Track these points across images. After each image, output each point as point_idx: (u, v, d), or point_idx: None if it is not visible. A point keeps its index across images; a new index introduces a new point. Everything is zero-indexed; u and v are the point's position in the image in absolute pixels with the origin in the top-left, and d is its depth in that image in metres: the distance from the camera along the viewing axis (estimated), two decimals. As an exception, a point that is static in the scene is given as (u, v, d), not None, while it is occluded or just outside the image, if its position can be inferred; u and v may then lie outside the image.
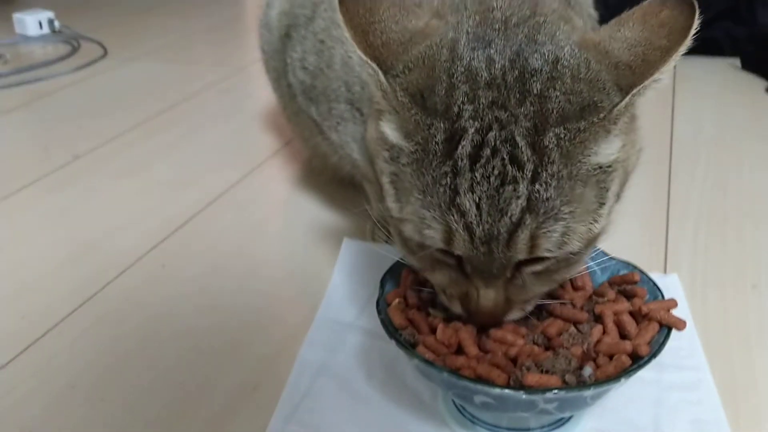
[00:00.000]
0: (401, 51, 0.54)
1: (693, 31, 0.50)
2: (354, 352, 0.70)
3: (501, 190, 0.50)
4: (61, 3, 1.99)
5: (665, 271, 0.84)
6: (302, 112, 0.89)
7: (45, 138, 1.28)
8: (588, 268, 0.66)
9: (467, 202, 0.50)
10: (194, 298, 0.81)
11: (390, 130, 0.54)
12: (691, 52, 1.54)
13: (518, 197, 0.50)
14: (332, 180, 1.02)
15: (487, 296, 0.54)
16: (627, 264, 0.66)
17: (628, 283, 0.63)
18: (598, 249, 0.67)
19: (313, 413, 0.63)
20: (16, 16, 1.85)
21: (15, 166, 1.16)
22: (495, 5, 0.56)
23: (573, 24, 0.58)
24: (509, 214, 0.50)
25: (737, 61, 1.56)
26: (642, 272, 0.64)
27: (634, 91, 0.50)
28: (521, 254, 0.52)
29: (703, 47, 1.61)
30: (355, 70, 0.72)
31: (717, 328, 0.74)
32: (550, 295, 0.62)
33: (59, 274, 0.85)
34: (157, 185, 1.07)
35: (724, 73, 1.54)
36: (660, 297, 0.61)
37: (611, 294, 0.63)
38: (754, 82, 1.47)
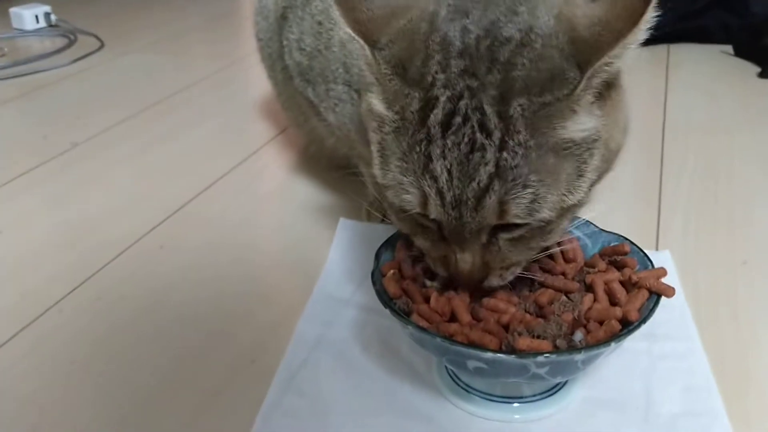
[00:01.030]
0: (385, 25, 0.56)
1: (647, 19, 0.50)
2: (350, 326, 0.71)
3: (470, 157, 0.52)
4: (57, -3, 2.00)
5: (657, 249, 0.85)
6: (298, 95, 0.90)
7: (43, 127, 1.28)
8: (579, 240, 0.67)
9: (439, 167, 0.52)
10: (192, 276, 0.82)
11: (376, 101, 0.56)
12: (684, 39, 1.56)
13: (486, 163, 0.51)
14: (329, 166, 1.03)
15: (464, 259, 0.56)
16: (618, 236, 0.67)
17: (619, 254, 0.65)
18: (590, 224, 0.68)
19: (310, 384, 0.64)
20: (13, 10, 1.86)
21: (14, 153, 1.17)
22: None
23: None
24: (477, 180, 0.52)
25: (730, 49, 1.57)
26: (632, 243, 0.65)
27: (588, 72, 0.50)
28: (490, 219, 0.53)
29: (696, 35, 1.62)
30: (354, 53, 0.73)
31: (707, 302, 0.75)
32: (542, 268, 0.63)
33: (59, 255, 0.86)
34: (154, 171, 1.08)
35: (716, 59, 1.55)
36: (650, 267, 0.63)
37: (602, 265, 0.64)
38: (746, 67, 1.48)
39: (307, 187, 1.02)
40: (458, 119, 0.52)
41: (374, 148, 0.57)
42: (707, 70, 1.51)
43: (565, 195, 0.53)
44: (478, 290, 0.60)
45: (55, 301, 0.77)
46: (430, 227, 0.57)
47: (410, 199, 0.55)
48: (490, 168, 0.51)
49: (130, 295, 0.79)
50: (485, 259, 0.57)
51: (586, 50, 0.51)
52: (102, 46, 1.72)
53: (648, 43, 1.56)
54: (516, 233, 0.55)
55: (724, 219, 0.92)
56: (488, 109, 0.51)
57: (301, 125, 1.00)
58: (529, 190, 0.52)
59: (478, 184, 0.52)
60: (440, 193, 0.53)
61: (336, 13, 0.55)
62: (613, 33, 0.50)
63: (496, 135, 0.51)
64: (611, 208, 0.89)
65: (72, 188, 1.04)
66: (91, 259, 0.84)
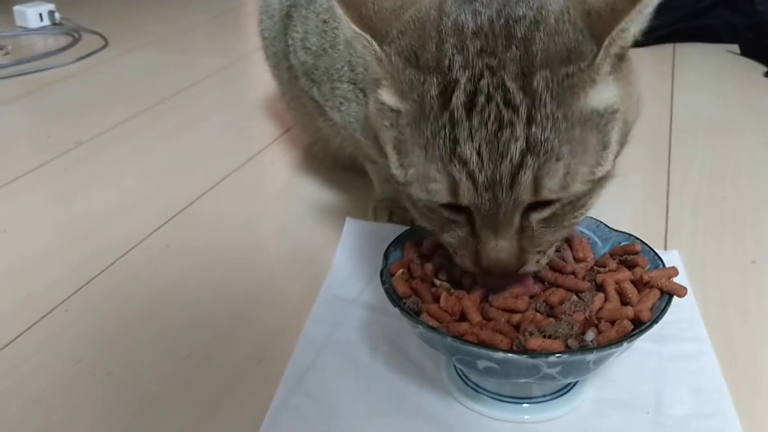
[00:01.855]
0: (393, 18, 0.55)
1: None
2: (358, 327, 0.71)
3: (499, 135, 0.51)
4: (61, -5, 2.00)
5: (665, 248, 0.84)
6: (303, 95, 0.89)
7: (47, 126, 1.28)
8: (589, 239, 0.66)
9: (467, 150, 0.51)
10: (198, 276, 0.81)
11: (388, 96, 0.55)
12: (690, 38, 1.55)
13: (516, 139, 0.50)
14: (333, 166, 1.02)
15: (500, 247, 0.54)
16: (628, 235, 0.66)
17: (630, 254, 0.64)
18: (600, 223, 0.68)
19: (318, 385, 0.64)
20: (17, 8, 1.86)
21: (19, 152, 1.17)
22: None
23: None
24: (509, 157, 0.50)
25: (736, 48, 1.57)
26: (643, 243, 0.65)
27: (605, 41, 0.50)
28: (526, 196, 0.52)
29: (702, 34, 1.62)
30: (359, 51, 0.73)
31: (717, 302, 0.75)
32: (552, 267, 0.63)
33: (64, 254, 0.86)
34: (159, 170, 1.08)
35: (722, 58, 1.54)
36: (661, 266, 0.62)
37: (613, 264, 0.64)
38: (752, 67, 1.48)
39: (313, 186, 1.01)
40: (482, 98, 0.51)
41: (389, 146, 0.56)
42: (713, 69, 1.50)
43: (594, 166, 0.53)
44: (507, 278, 0.58)
45: (60, 300, 0.77)
46: (459, 220, 0.56)
47: (438, 188, 0.53)
48: (521, 144, 0.50)
49: (136, 296, 0.78)
50: (521, 245, 0.55)
51: (600, 20, 0.51)
52: (106, 44, 1.72)
53: (654, 42, 1.57)
54: (548, 211, 0.54)
55: (732, 218, 0.92)
56: (511, 85, 0.51)
57: (306, 125, 1.00)
58: (562, 162, 0.51)
59: (511, 161, 0.50)
60: (471, 176, 0.51)
61: (339, 11, 0.55)
62: (629, 0, 0.50)
63: (523, 109, 0.50)
64: (619, 207, 0.89)
65: (76, 187, 1.03)
66: (96, 258, 0.84)
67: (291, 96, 0.96)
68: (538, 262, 0.57)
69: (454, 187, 0.52)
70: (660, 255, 0.64)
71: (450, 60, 0.52)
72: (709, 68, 1.51)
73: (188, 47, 1.75)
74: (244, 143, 1.16)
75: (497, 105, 0.51)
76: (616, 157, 0.55)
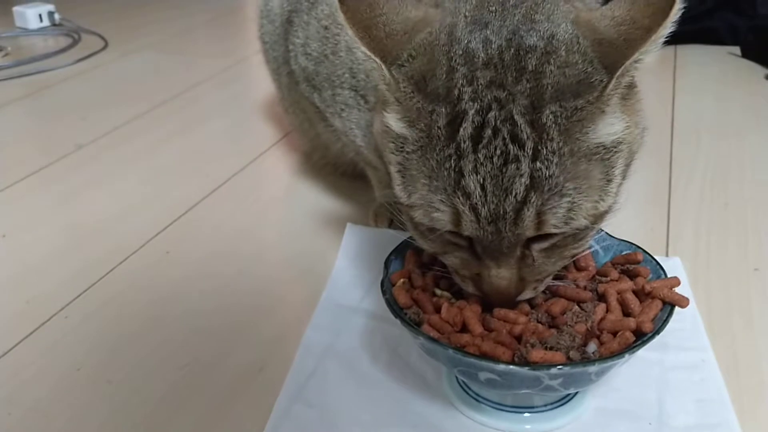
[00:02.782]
0: (405, 40, 0.55)
1: (675, 12, 0.49)
2: (358, 334, 0.71)
3: (504, 170, 0.50)
4: (60, -5, 1.99)
5: (667, 255, 0.84)
6: (304, 101, 0.89)
7: (47, 128, 1.28)
8: (591, 248, 0.66)
9: (472, 183, 0.51)
10: (199, 283, 0.81)
11: (394, 121, 0.55)
12: (692, 41, 1.55)
13: (521, 175, 0.50)
14: (334, 173, 1.02)
15: (500, 275, 0.55)
16: (630, 244, 0.66)
17: (631, 263, 0.64)
18: (602, 231, 0.68)
19: (319, 393, 0.64)
20: (17, 9, 1.85)
21: (19, 155, 1.16)
22: None
23: (573, 4, 0.58)
24: (514, 193, 0.50)
25: (737, 50, 1.56)
26: (645, 252, 0.65)
27: (618, 72, 0.50)
28: (529, 231, 0.52)
29: (704, 36, 1.61)
30: (368, 71, 0.72)
31: (719, 310, 0.75)
32: (555, 276, 0.63)
33: (64, 260, 0.86)
34: (159, 174, 1.08)
35: (724, 61, 1.54)
36: (663, 276, 0.62)
37: (614, 274, 0.63)
38: (754, 69, 1.47)
39: (313, 191, 1.01)
40: (488, 132, 0.51)
41: (393, 168, 0.56)
42: (715, 71, 1.50)
43: (597, 201, 0.53)
44: (509, 305, 0.58)
45: (60, 307, 0.76)
46: (461, 245, 0.56)
47: (441, 218, 0.53)
48: (526, 180, 0.50)
49: (136, 302, 0.78)
50: (521, 274, 0.56)
51: (613, 50, 0.51)
52: (106, 45, 1.71)
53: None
54: (549, 242, 0.54)
55: (734, 224, 0.92)
56: (519, 119, 0.50)
57: (306, 130, 1.00)
58: (566, 199, 0.51)
59: (515, 197, 0.50)
60: (474, 209, 0.51)
61: (350, 32, 0.54)
62: (642, 30, 0.50)
63: (529, 145, 0.50)
64: (621, 213, 0.89)
65: (76, 192, 1.03)
66: (96, 264, 0.84)
67: (290, 101, 0.96)
68: (535, 289, 0.57)
69: (457, 218, 0.53)
70: (662, 263, 0.63)
71: (459, 90, 0.52)
72: (710, 71, 1.51)
73: (188, 48, 1.74)
74: (244, 147, 1.15)
75: (504, 139, 0.50)
76: (618, 191, 0.55)
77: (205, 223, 0.94)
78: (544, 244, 0.54)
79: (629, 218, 0.90)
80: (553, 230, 0.52)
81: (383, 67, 0.53)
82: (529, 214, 0.51)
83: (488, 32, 0.53)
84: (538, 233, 0.52)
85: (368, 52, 0.54)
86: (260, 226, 0.93)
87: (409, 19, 0.56)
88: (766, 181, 1.03)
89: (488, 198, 0.51)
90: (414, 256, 0.64)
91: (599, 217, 0.54)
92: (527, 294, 0.57)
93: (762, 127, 1.22)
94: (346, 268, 0.81)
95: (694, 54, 1.57)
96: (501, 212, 0.51)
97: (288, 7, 0.85)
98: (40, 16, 1.84)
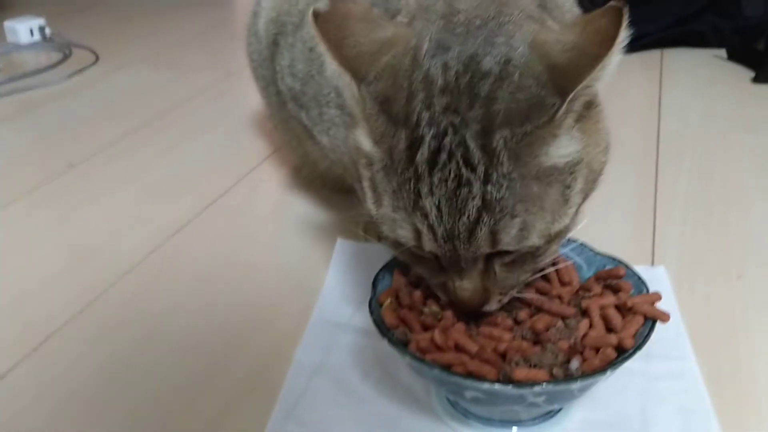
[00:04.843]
0: (372, 61, 0.56)
1: (620, 41, 0.51)
2: (349, 352, 0.72)
3: (458, 192, 0.53)
4: (51, 10, 1.99)
5: (653, 263, 0.85)
6: (292, 119, 0.90)
7: (39, 147, 1.29)
8: (574, 263, 0.67)
9: (428, 204, 0.54)
10: (191, 301, 0.82)
11: (363, 138, 0.57)
12: (678, 44, 1.56)
13: (473, 198, 0.53)
14: (323, 188, 1.03)
15: (463, 287, 0.57)
16: (613, 259, 0.67)
17: (614, 278, 0.65)
18: (586, 246, 0.69)
19: (311, 412, 0.65)
20: (7, 24, 1.86)
21: (10, 175, 1.17)
22: (461, 8, 0.58)
23: (544, 24, 0.60)
24: (467, 214, 0.53)
25: (723, 53, 1.58)
26: (627, 266, 0.66)
27: (569, 97, 0.51)
28: (483, 249, 0.54)
29: (689, 39, 1.63)
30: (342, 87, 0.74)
31: (703, 318, 0.76)
32: (538, 291, 0.64)
33: (57, 282, 0.87)
34: (151, 192, 1.09)
35: (709, 64, 1.56)
36: (645, 291, 0.63)
37: (597, 289, 0.64)
38: (740, 72, 1.49)
39: (303, 206, 1.02)
40: (444, 156, 0.53)
41: (365, 183, 0.58)
42: (701, 74, 1.51)
43: (551, 223, 0.55)
44: (476, 315, 0.61)
45: (54, 329, 0.77)
46: (427, 257, 0.58)
47: (404, 234, 0.56)
48: (477, 202, 0.52)
49: (129, 322, 0.79)
50: (484, 285, 0.58)
51: (563, 76, 0.52)
52: (97, 59, 1.72)
53: (641, 48, 1.58)
54: (508, 258, 0.57)
55: (718, 230, 0.93)
56: (471, 144, 0.52)
57: (295, 147, 1.01)
58: (518, 219, 0.53)
59: (468, 218, 0.53)
60: (431, 228, 0.54)
61: (323, 46, 0.56)
62: (589, 57, 0.51)
63: (480, 169, 0.52)
64: (606, 219, 0.90)
65: (68, 213, 1.04)
66: (90, 285, 0.85)
67: (279, 119, 0.97)
68: (500, 301, 0.60)
69: (417, 236, 0.55)
70: (647, 272, 0.65)
71: (418, 116, 0.54)
72: (697, 73, 1.52)
73: (179, 62, 1.75)
74: (235, 162, 1.16)
75: (457, 163, 0.53)
76: (578, 208, 0.57)
77: (197, 241, 0.95)
78: (505, 259, 0.57)
79: (616, 225, 0.92)
80: (508, 248, 0.54)
81: (353, 83, 0.55)
82: (482, 233, 0.53)
83: (448, 57, 0.55)
84: (493, 250, 0.55)
85: (339, 67, 0.56)
86: (251, 244, 0.95)
87: (375, 41, 0.57)
88: (750, 186, 1.04)
89: (444, 218, 0.54)
90: (401, 275, 0.66)
91: (555, 236, 0.56)
92: (492, 305, 0.59)
93: (747, 131, 1.23)
94: (336, 285, 0.82)
95: (681, 57, 1.59)
96: (456, 232, 0.54)
97: (273, 30, 0.86)
98: (30, 30, 1.83)
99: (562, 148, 0.54)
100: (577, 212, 0.57)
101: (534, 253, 0.57)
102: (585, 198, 0.58)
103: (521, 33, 0.56)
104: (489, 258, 0.57)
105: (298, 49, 0.80)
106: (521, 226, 0.53)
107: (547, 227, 0.54)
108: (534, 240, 0.54)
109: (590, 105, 0.56)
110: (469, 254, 0.55)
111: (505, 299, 0.60)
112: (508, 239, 0.54)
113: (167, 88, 1.55)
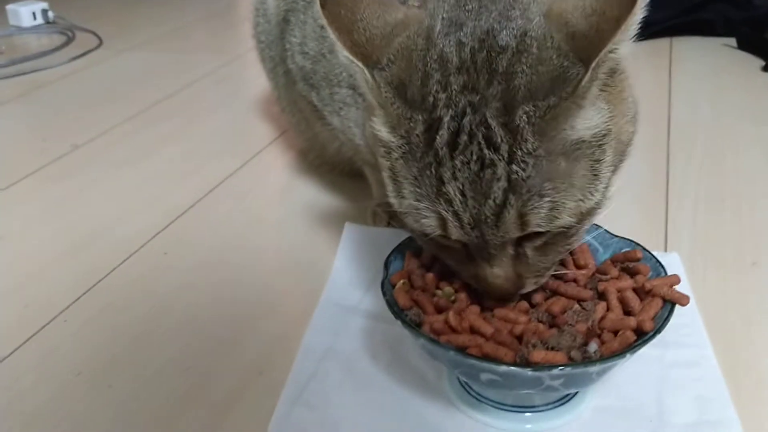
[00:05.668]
0: (384, 44, 0.54)
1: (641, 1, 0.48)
2: (358, 335, 0.71)
3: (481, 174, 0.51)
4: (54, -6, 1.98)
5: (666, 250, 0.84)
6: (301, 100, 0.89)
7: (42, 129, 1.27)
8: (590, 246, 0.66)
9: (451, 190, 0.51)
10: (197, 285, 0.81)
11: (380, 125, 0.55)
12: (687, 33, 1.54)
13: (498, 179, 0.50)
14: (330, 172, 1.02)
15: (496, 274, 0.55)
16: (629, 242, 0.66)
17: (631, 261, 0.64)
18: (601, 229, 0.68)
19: (320, 395, 0.64)
20: (10, 7, 1.85)
21: (14, 157, 1.16)
22: None
23: None
24: (493, 197, 0.51)
25: (733, 41, 1.56)
26: (644, 249, 0.64)
27: (593, 64, 0.49)
28: (512, 233, 0.52)
29: (699, 28, 1.61)
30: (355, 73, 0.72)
31: (718, 306, 0.74)
32: (554, 275, 0.63)
33: (62, 264, 0.85)
34: (156, 174, 1.07)
35: (719, 53, 1.54)
36: (663, 273, 0.62)
37: (614, 272, 0.63)
38: (749, 61, 1.47)
39: (310, 191, 1.01)
40: (464, 137, 0.51)
41: (385, 174, 0.56)
42: (711, 63, 1.50)
43: (581, 200, 0.52)
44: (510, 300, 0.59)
45: (59, 310, 0.76)
46: (455, 247, 0.56)
47: (429, 224, 0.54)
48: (503, 183, 0.50)
49: (134, 305, 0.78)
50: (517, 271, 0.56)
51: (585, 43, 0.50)
52: (100, 43, 1.71)
53: (651, 36, 1.56)
54: (540, 241, 0.55)
55: (731, 218, 0.92)
56: (492, 123, 0.50)
57: (303, 130, 1.00)
58: (546, 199, 0.51)
59: (494, 201, 0.51)
60: (456, 215, 0.52)
61: (332, 35, 0.54)
62: (611, 21, 0.49)
63: (504, 148, 0.50)
64: (619, 207, 0.89)
65: (72, 194, 1.03)
66: (95, 266, 0.83)
67: (287, 100, 0.96)
68: (536, 282, 0.58)
69: (443, 224, 0.53)
70: (661, 259, 0.63)
71: (434, 97, 0.52)
72: (706, 62, 1.50)
73: (183, 46, 1.74)
74: (241, 145, 1.15)
75: (479, 144, 0.50)
76: (609, 183, 0.54)
77: (202, 223, 0.94)
78: (536, 242, 0.54)
79: (627, 213, 0.90)
80: (538, 229, 0.52)
81: (365, 71, 0.53)
82: (509, 216, 0.51)
83: (462, 34, 0.53)
84: (523, 233, 0.52)
85: (350, 56, 0.54)
86: (258, 227, 0.93)
87: (388, 23, 0.55)
88: (762, 174, 1.03)
89: (469, 203, 0.51)
90: (414, 257, 0.64)
91: (586, 214, 0.54)
92: (528, 288, 0.57)
93: (758, 120, 1.21)
94: (344, 268, 0.81)
95: (690, 46, 1.57)
96: (482, 216, 0.51)
97: (284, 7, 0.84)
98: (33, 14, 1.83)
99: (589, 120, 0.52)
100: (608, 187, 0.55)
101: (566, 233, 0.54)
102: (615, 171, 0.56)
103: (536, 4, 0.54)
104: (519, 242, 0.54)
105: (309, 26, 0.79)
106: (551, 206, 0.51)
107: (577, 205, 0.52)
108: (565, 219, 0.52)
109: (614, 72, 0.54)
110: (497, 239, 0.52)
111: (542, 280, 0.58)
112: (537, 221, 0.51)
113: (171, 71, 1.54)
